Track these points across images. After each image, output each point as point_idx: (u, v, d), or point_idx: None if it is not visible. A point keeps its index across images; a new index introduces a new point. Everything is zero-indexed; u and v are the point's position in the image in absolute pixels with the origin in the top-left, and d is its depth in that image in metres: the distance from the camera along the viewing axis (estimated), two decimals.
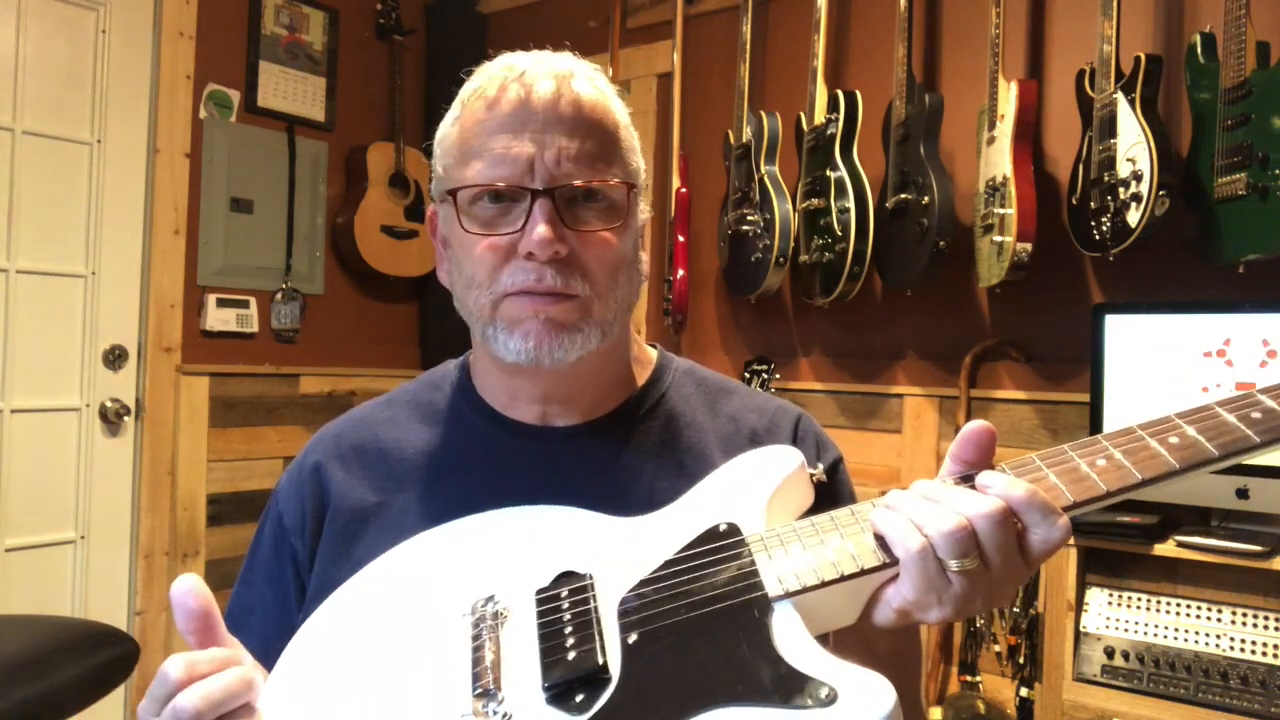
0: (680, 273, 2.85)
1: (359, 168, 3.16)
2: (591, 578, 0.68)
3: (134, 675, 2.62)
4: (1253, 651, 1.86)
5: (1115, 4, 2.03)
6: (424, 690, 0.63)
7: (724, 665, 0.59)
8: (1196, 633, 1.92)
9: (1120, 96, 2.01)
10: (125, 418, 2.71)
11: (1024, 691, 2.21)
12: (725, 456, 0.83)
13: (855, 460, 2.56)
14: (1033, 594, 2.21)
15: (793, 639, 0.59)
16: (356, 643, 0.69)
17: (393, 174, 3.20)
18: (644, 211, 0.90)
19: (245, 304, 2.94)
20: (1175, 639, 1.93)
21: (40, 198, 2.56)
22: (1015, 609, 2.28)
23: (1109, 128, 2.02)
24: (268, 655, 0.72)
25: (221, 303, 2.88)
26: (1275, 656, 1.83)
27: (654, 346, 0.99)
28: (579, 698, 0.59)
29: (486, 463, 0.87)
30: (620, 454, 0.87)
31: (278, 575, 0.90)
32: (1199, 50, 2.00)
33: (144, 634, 2.70)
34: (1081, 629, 2.02)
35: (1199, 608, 1.94)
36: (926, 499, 0.62)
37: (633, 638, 0.62)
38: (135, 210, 2.73)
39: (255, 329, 2.96)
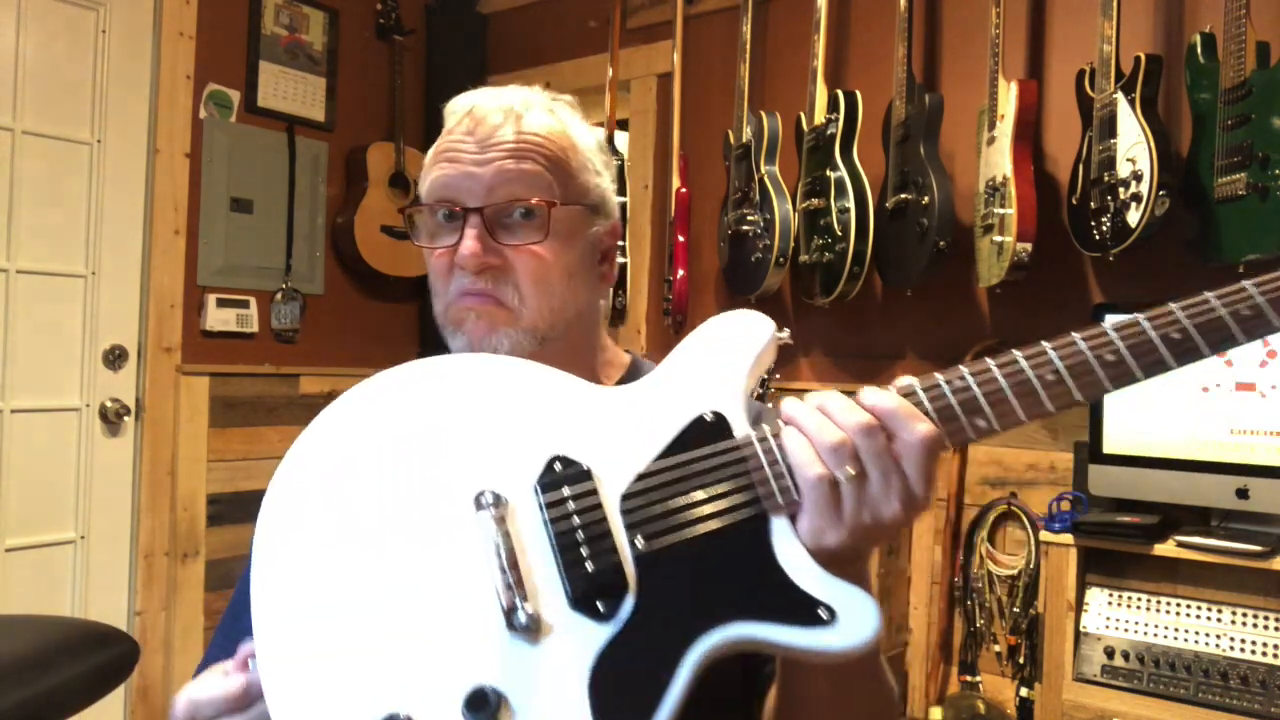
0: (680, 273, 2.85)
1: (359, 168, 3.16)
2: (591, 472, 0.68)
3: (134, 675, 2.63)
4: (1253, 651, 1.86)
5: (1115, 4, 2.03)
6: (453, 594, 0.64)
7: (734, 582, 0.63)
8: (1196, 633, 1.92)
9: (1120, 96, 2.01)
10: (125, 418, 2.71)
11: (1024, 691, 2.21)
12: None
13: None
14: (1033, 594, 2.22)
15: (791, 553, 0.64)
16: (354, 526, 0.67)
17: (393, 174, 3.20)
18: (600, 224, 0.95)
19: (245, 304, 2.94)
20: (1175, 639, 1.93)
21: (40, 198, 2.56)
22: (1015, 609, 2.28)
23: (1109, 128, 2.02)
24: None
25: (221, 303, 2.88)
26: (1275, 656, 1.83)
27: (628, 353, 1.04)
28: (600, 605, 0.63)
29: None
30: None
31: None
32: (1199, 50, 2.00)
33: (144, 634, 2.70)
34: (1081, 629, 2.02)
35: (1199, 608, 1.94)
36: (823, 415, 0.67)
37: (641, 544, 0.65)
38: (135, 210, 2.73)
39: (255, 329, 2.96)
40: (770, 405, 0.78)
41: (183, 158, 2.79)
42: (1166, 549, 1.93)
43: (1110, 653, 1.97)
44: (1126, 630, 1.98)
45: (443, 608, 0.64)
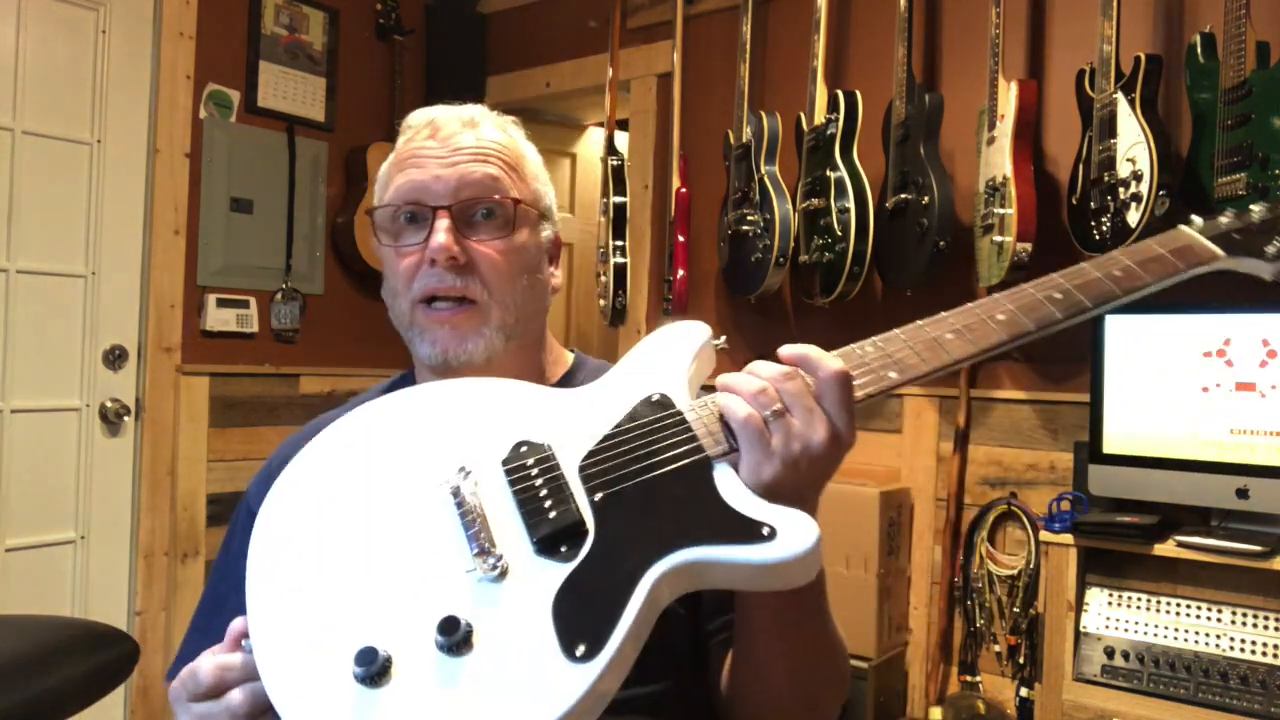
0: (680, 273, 2.85)
1: (359, 168, 3.16)
2: (549, 446, 0.76)
3: (134, 675, 2.63)
4: (1253, 651, 1.86)
5: (1115, 4, 2.03)
6: (426, 553, 0.70)
7: (682, 515, 0.70)
8: (1196, 633, 1.92)
9: (1120, 96, 2.01)
10: (125, 418, 2.71)
11: (1024, 691, 2.21)
12: None
13: (856, 460, 2.56)
14: (1033, 594, 2.22)
15: (733, 490, 0.70)
16: (340, 520, 0.74)
17: None
18: (549, 230, 1.02)
19: (245, 304, 2.94)
20: (1175, 639, 1.93)
21: (40, 198, 2.56)
22: (1015, 609, 2.28)
23: (1109, 128, 2.02)
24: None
25: (221, 303, 2.88)
26: (1275, 656, 1.83)
27: (572, 351, 1.10)
28: (563, 548, 0.69)
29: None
30: None
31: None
32: (1199, 50, 2.00)
33: (144, 634, 2.70)
34: (1081, 629, 2.02)
35: (1199, 608, 1.94)
36: (748, 374, 0.76)
37: (598, 496, 0.72)
38: (135, 210, 2.73)
39: (255, 329, 2.96)
40: None
41: (183, 158, 2.79)
42: (1166, 549, 1.93)
43: (1110, 653, 1.97)
44: (1126, 630, 1.98)
45: (417, 564, 0.70)
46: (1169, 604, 1.97)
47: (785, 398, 0.73)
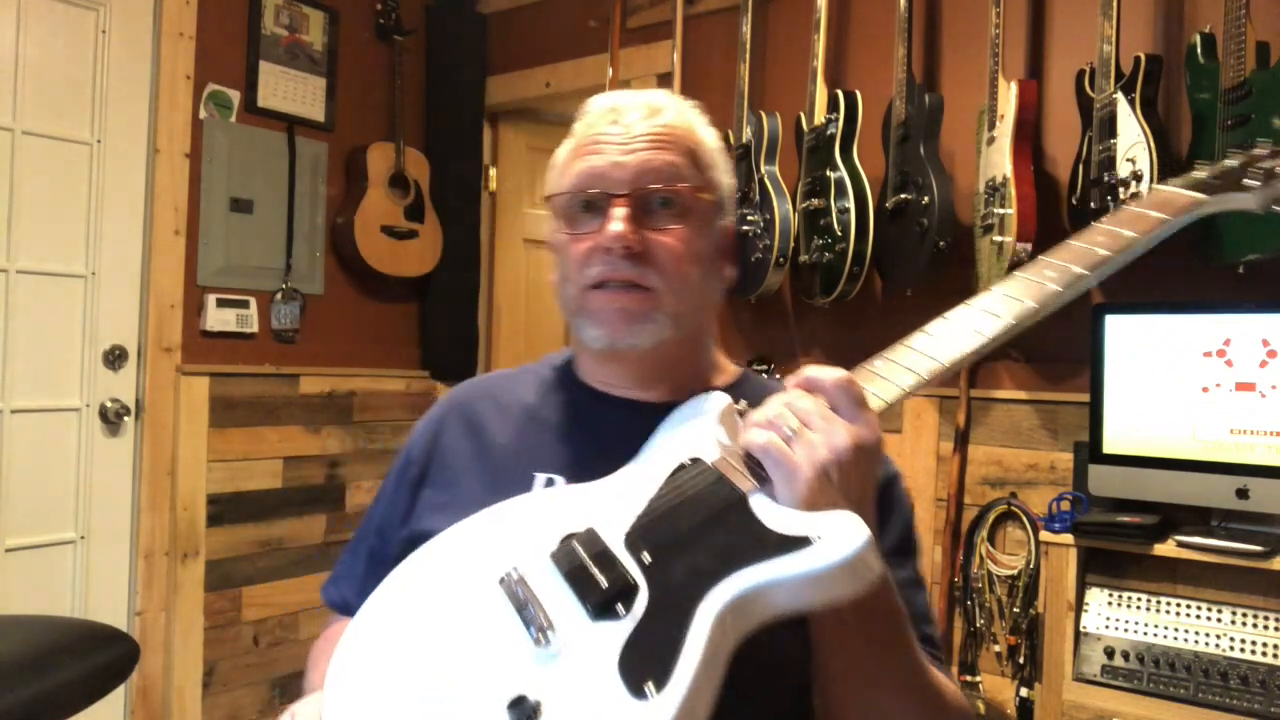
0: None
1: (359, 168, 3.16)
2: (593, 529, 0.78)
3: (134, 675, 2.63)
4: (1253, 651, 1.86)
5: (1115, 4, 2.03)
6: (488, 648, 0.71)
7: (729, 549, 0.70)
8: (1196, 633, 1.92)
9: (1120, 96, 2.01)
10: (125, 418, 2.71)
11: (1024, 691, 2.21)
12: None
13: None
14: (1033, 594, 2.22)
15: (773, 515, 0.71)
16: (415, 622, 0.77)
17: (393, 174, 3.20)
18: (726, 219, 1.02)
19: (245, 304, 2.94)
20: (1175, 639, 1.93)
21: (40, 198, 2.56)
22: (1015, 609, 2.28)
23: (1109, 128, 2.02)
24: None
25: (221, 303, 2.88)
26: (1275, 656, 1.83)
27: (740, 366, 1.11)
28: (619, 609, 0.70)
29: (580, 420, 1.02)
30: None
31: (395, 498, 1.06)
32: (1199, 50, 2.00)
33: (144, 634, 2.70)
34: (1081, 629, 2.02)
35: (1199, 608, 1.94)
36: (763, 408, 0.78)
37: (646, 557, 0.73)
38: (135, 210, 2.73)
39: (255, 329, 2.96)
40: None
41: (183, 158, 2.79)
42: (1166, 549, 1.93)
43: (1110, 653, 1.97)
44: (1126, 630, 1.98)
45: (481, 661, 0.71)
46: (1169, 604, 1.97)
47: (801, 415, 0.74)
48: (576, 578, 0.73)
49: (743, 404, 0.86)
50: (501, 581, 0.75)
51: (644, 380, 1.00)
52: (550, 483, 0.95)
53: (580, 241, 0.95)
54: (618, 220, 0.91)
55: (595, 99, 1.02)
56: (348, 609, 1.03)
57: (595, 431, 1.00)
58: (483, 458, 1.01)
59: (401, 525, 1.03)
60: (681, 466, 0.80)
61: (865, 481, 0.74)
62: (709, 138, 1.01)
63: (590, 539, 0.76)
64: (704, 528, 0.73)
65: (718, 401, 0.86)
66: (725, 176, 1.02)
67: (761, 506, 0.72)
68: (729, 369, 1.09)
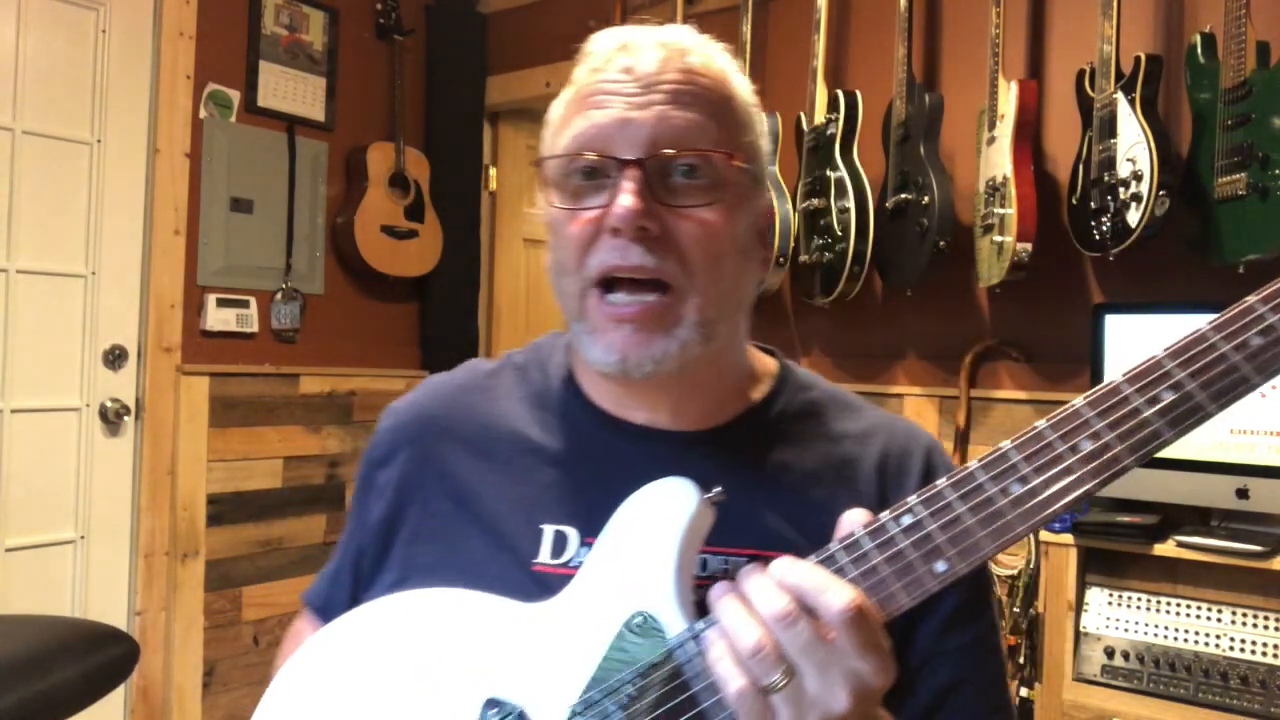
0: None
1: (359, 168, 3.16)
2: (523, 711, 0.65)
3: (134, 675, 2.63)
4: (1253, 651, 1.86)
5: (1115, 4, 2.03)
6: None
7: None
8: (1196, 633, 1.92)
9: (1120, 96, 2.01)
10: (125, 418, 2.70)
11: (1024, 691, 2.21)
12: (847, 487, 0.80)
13: None
14: (1033, 594, 2.22)
15: None
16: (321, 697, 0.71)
17: (393, 174, 3.20)
18: (763, 197, 0.82)
19: (245, 304, 2.94)
20: (1175, 639, 1.93)
21: (40, 198, 2.56)
22: (1015, 609, 2.28)
23: (1109, 128, 2.02)
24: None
25: (221, 303, 2.88)
26: (1275, 656, 1.83)
27: (770, 352, 0.91)
28: None
29: (589, 457, 0.81)
30: (732, 471, 0.78)
31: (360, 521, 0.90)
32: (1199, 50, 2.00)
33: (144, 634, 2.70)
34: (1081, 629, 2.02)
35: (1199, 608, 1.94)
36: (742, 614, 0.59)
37: None
38: (135, 210, 2.73)
39: (255, 329, 2.96)
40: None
41: (183, 158, 2.79)
42: (1166, 549, 1.93)
43: (1110, 653, 1.97)
44: (1126, 630, 1.98)
45: None
46: (1169, 604, 1.97)
47: (790, 653, 0.56)
48: None
49: (718, 493, 0.68)
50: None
51: (667, 405, 0.80)
52: (561, 537, 0.77)
53: (580, 220, 0.74)
54: (628, 193, 0.70)
55: (600, 35, 0.80)
56: (323, 613, 0.90)
57: (612, 470, 0.78)
58: (474, 503, 0.82)
59: (371, 574, 0.86)
60: (631, 624, 0.65)
61: None
62: (744, 89, 0.81)
63: None
64: None
65: (684, 501, 0.67)
66: (764, 140, 0.82)
67: None
68: (765, 370, 0.89)
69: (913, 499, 0.60)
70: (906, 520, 0.59)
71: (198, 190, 2.84)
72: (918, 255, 2.31)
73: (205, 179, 2.85)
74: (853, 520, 0.61)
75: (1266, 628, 1.86)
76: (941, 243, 2.26)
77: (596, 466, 0.80)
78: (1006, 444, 0.59)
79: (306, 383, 3.09)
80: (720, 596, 0.60)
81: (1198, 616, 1.93)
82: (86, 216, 2.65)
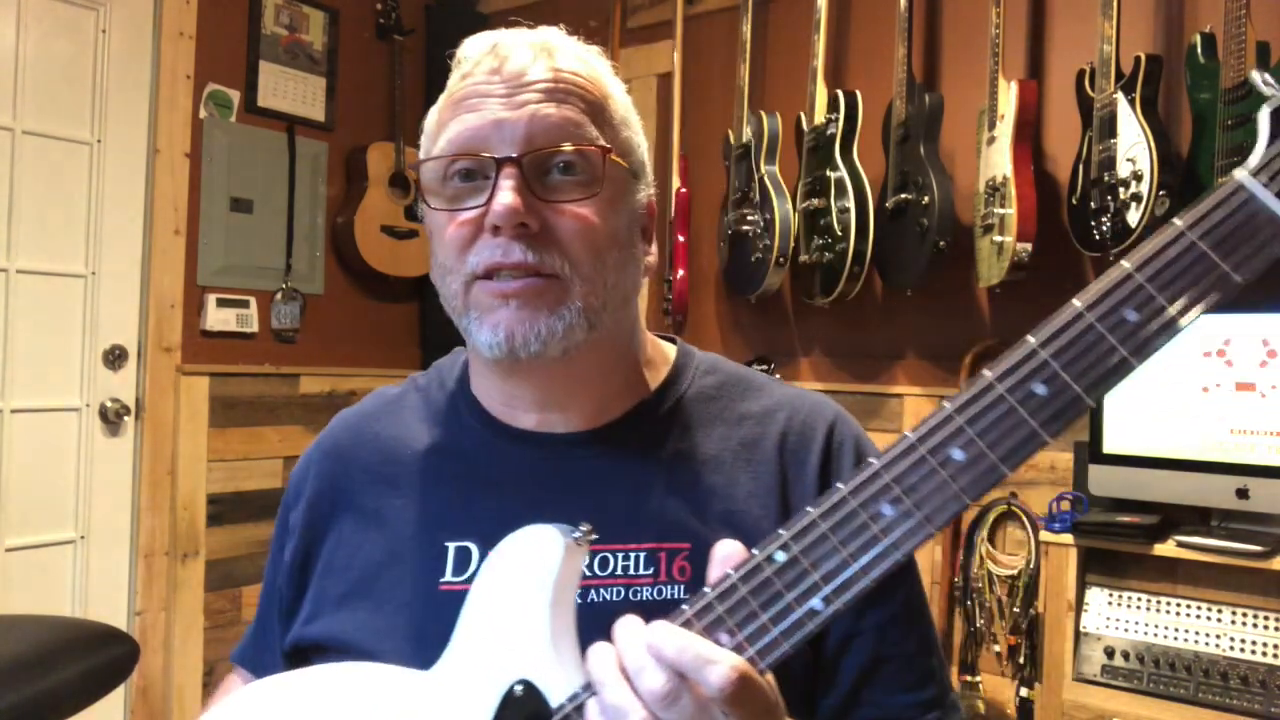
0: (680, 273, 2.85)
1: (359, 168, 3.16)
2: None
3: (134, 675, 2.63)
4: (1253, 651, 1.86)
5: (1115, 4, 2.03)
6: None
7: None
8: (1196, 633, 1.92)
9: (1120, 96, 2.01)
10: (125, 418, 2.70)
11: (1024, 691, 2.21)
12: (748, 469, 0.80)
13: None
14: (1033, 594, 2.22)
15: None
16: None
17: (393, 174, 3.20)
18: (642, 192, 0.82)
19: (245, 304, 2.94)
20: (1175, 639, 1.93)
21: (40, 198, 2.56)
22: (1015, 609, 2.28)
23: (1109, 128, 2.02)
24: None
25: (221, 303, 2.88)
26: (1275, 656, 1.83)
27: (672, 341, 0.90)
28: None
29: (485, 469, 0.82)
30: (627, 466, 0.80)
31: (277, 564, 0.92)
32: (1199, 50, 2.00)
33: (144, 634, 2.69)
34: (1081, 629, 2.02)
35: (1199, 608, 1.94)
36: (619, 685, 0.56)
37: None
38: (135, 210, 2.73)
39: (255, 329, 2.96)
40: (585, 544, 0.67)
41: (183, 158, 2.79)
42: (1166, 549, 1.93)
43: (1110, 653, 1.97)
44: (1126, 630, 1.98)
45: None
46: (1169, 604, 1.97)
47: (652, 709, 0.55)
48: None
49: (583, 530, 0.66)
50: None
51: (556, 400, 0.80)
52: (464, 553, 0.77)
53: (459, 221, 0.75)
54: (506, 190, 0.71)
55: (472, 41, 0.82)
56: (256, 671, 0.88)
57: (504, 479, 0.80)
58: (380, 529, 0.82)
59: (288, 618, 0.86)
60: (513, 696, 0.63)
61: None
62: (618, 90, 0.82)
63: None
64: None
65: (550, 551, 0.65)
66: (639, 138, 0.82)
67: None
68: (662, 359, 0.87)
69: (784, 531, 0.57)
70: (780, 557, 0.56)
71: (198, 190, 2.84)
72: (918, 255, 2.31)
73: (205, 179, 2.85)
74: (725, 557, 0.59)
75: (1266, 628, 1.86)
76: (941, 243, 2.26)
77: (489, 477, 0.81)
78: (874, 462, 0.56)
79: (306, 383, 3.09)
80: (599, 668, 0.58)
81: (1198, 616, 1.93)
82: (86, 216, 2.65)
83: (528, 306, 0.73)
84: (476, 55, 0.79)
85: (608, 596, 0.76)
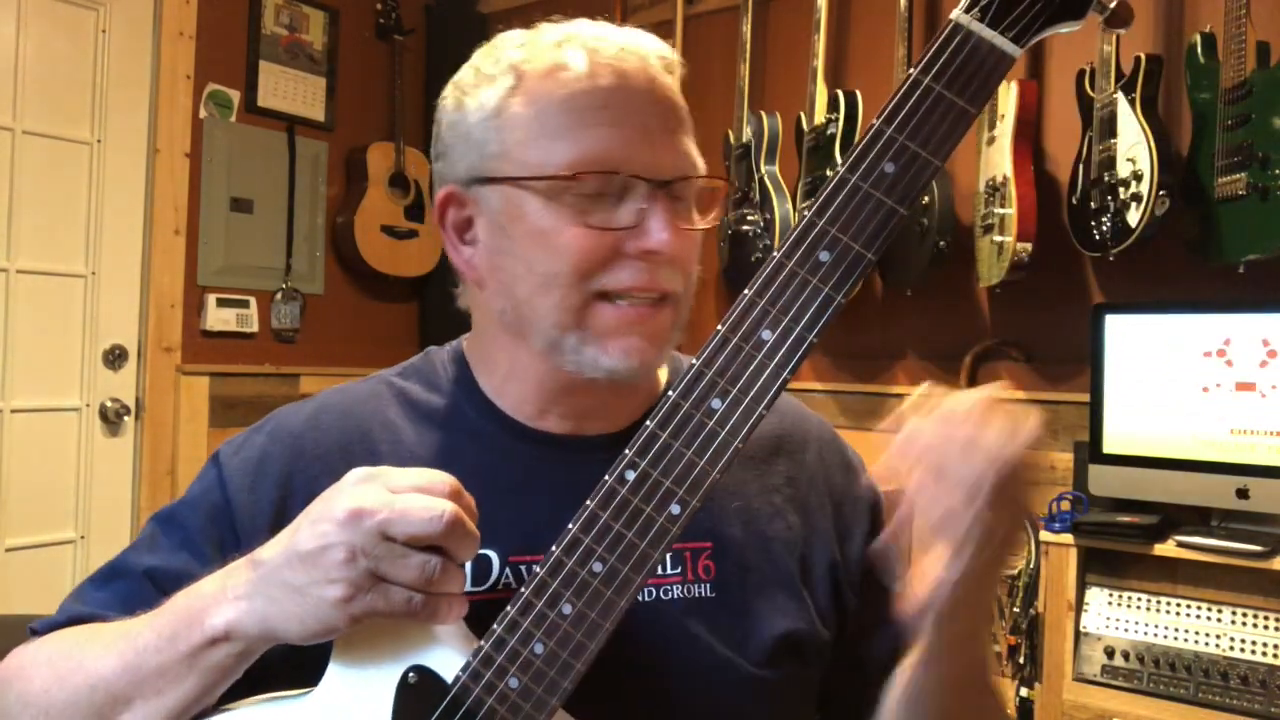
0: None
1: (359, 168, 3.16)
2: None
3: None
4: (1253, 651, 1.86)
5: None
6: None
7: None
8: (1196, 633, 1.92)
9: (1120, 96, 2.01)
10: (125, 417, 2.70)
11: (1024, 691, 2.21)
12: (754, 467, 0.82)
13: None
14: (1033, 594, 2.21)
15: None
16: None
17: (393, 174, 3.20)
18: None
19: (245, 304, 2.94)
20: (1175, 639, 1.93)
21: (40, 198, 2.56)
22: (1015, 609, 2.28)
23: (1109, 128, 2.02)
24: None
25: (221, 302, 2.88)
26: (1275, 656, 1.83)
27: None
28: None
29: (505, 474, 0.78)
30: None
31: (198, 551, 0.83)
32: (1199, 50, 2.00)
33: None
34: (1081, 629, 2.02)
35: (1199, 608, 1.94)
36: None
37: None
38: (135, 210, 2.73)
39: (255, 329, 2.96)
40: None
41: (183, 158, 2.79)
42: (1166, 549, 1.93)
43: (1110, 653, 1.97)
44: (1126, 630, 1.98)
45: None
46: (1169, 604, 1.97)
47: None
48: None
49: None
50: None
51: (601, 407, 0.79)
52: (484, 561, 0.75)
53: (591, 235, 0.70)
54: (667, 220, 0.70)
55: (543, 33, 0.75)
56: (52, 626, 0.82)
57: (529, 484, 0.77)
58: None
59: None
60: (406, 685, 0.63)
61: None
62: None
63: None
64: None
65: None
66: None
67: None
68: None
69: (629, 450, 0.61)
70: (630, 475, 0.61)
71: (198, 190, 2.84)
72: (918, 255, 2.31)
73: (205, 179, 2.85)
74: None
75: (1266, 628, 1.86)
76: (941, 243, 2.26)
77: (510, 482, 0.77)
78: (694, 361, 0.63)
79: (306, 383, 3.09)
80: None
81: (1198, 616, 1.93)
82: (86, 216, 2.65)
83: (657, 335, 0.74)
84: (585, 54, 0.73)
85: (640, 597, 0.73)
